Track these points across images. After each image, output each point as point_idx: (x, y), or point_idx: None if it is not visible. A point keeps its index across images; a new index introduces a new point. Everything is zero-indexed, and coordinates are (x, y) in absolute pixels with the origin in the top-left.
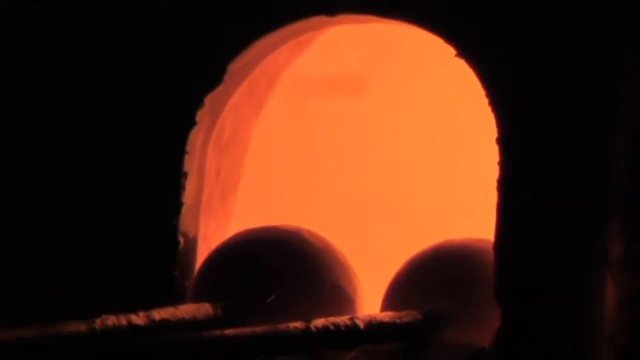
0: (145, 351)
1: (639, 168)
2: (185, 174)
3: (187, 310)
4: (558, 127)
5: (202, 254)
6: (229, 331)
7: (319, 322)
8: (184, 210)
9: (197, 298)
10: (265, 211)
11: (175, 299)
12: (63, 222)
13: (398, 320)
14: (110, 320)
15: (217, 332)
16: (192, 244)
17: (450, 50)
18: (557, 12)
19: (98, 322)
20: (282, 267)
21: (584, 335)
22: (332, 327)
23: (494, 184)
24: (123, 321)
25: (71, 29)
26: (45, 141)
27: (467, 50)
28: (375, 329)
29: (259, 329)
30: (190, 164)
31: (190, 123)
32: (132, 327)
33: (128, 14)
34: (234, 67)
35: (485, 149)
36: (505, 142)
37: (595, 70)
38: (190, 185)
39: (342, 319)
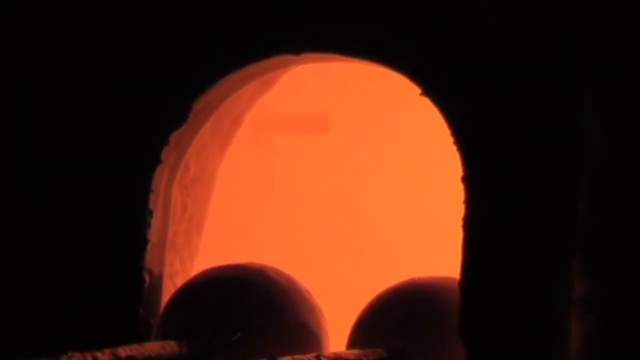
0: None
1: (598, 208)
2: (150, 212)
3: (152, 347)
4: (523, 166)
5: (167, 291)
6: None
7: (284, 359)
8: (149, 248)
9: (163, 336)
10: (230, 249)
11: (140, 337)
12: (29, 258)
13: (364, 358)
14: (76, 357)
15: None
16: (157, 282)
17: (415, 89)
18: (520, 52)
19: (63, 359)
20: (247, 305)
21: None
22: None
23: (459, 223)
24: (88, 358)
25: (41, 62)
26: (10, 180)
27: (432, 88)
28: None
29: None
30: (155, 201)
31: (155, 161)
32: None
33: (94, 51)
34: (199, 105)
35: (450, 187)
36: (470, 180)
37: (558, 112)
38: (155, 223)
39: (308, 357)
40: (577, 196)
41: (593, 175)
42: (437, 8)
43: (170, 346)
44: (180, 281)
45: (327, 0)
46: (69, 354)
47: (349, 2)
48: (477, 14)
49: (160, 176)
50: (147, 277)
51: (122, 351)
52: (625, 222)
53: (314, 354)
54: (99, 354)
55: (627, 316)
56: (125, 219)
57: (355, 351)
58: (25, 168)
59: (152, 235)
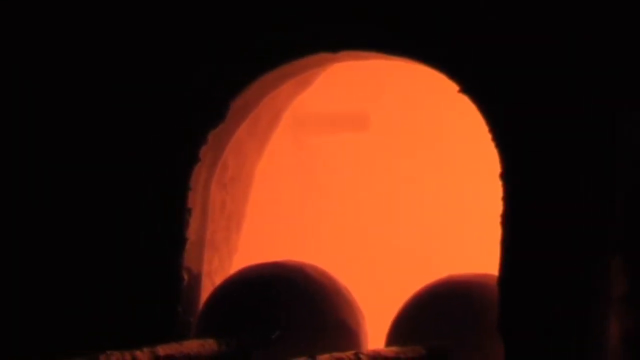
0: None
1: (637, 206)
2: (188, 210)
3: (191, 346)
4: (561, 164)
5: (206, 290)
6: None
7: (323, 357)
8: (187, 246)
9: (201, 334)
10: (269, 247)
11: (179, 335)
12: (71, 257)
13: (402, 356)
14: (115, 356)
15: None
16: (195, 280)
17: (453, 87)
18: (560, 51)
19: (102, 358)
20: (286, 303)
21: None
22: None
23: (498, 219)
24: (127, 357)
25: (79, 63)
26: (50, 186)
27: (470, 86)
28: None
29: None
30: (193, 200)
31: (193, 160)
32: None
33: (133, 51)
34: (237, 104)
35: (488, 184)
36: (508, 177)
37: (598, 110)
38: (194, 222)
39: (347, 354)
40: (616, 194)
41: (632, 174)
42: (476, 6)
43: (210, 344)
44: (219, 279)
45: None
46: (108, 352)
47: (384, 0)
48: (518, 12)
49: (198, 175)
50: (185, 276)
51: (161, 350)
52: None
53: (353, 352)
54: (137, 353)
55: None
56: (164, 217)
57: (394, 349)
58: (68, 168)
59: (191, 233)
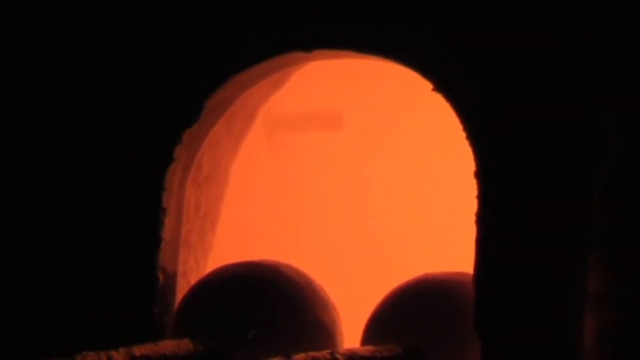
0: None
1: (613, 205)
2: (163, 210)
3: (167, 346)
4: (536, 163)
5: (182, 289)
6: None
7: (299, 357)
8: (163, 246)
9: (177, 334)
10: (244, 246)
11: (155, 335)
12: (44, 257)
13: (378, 355)
14: (90, 357)
15: None
16: (171, 280)
17: (427, 85)
18: (535, 49)
19: (78, 359)
20: (262, 302)
21: None
22: None
23: (473, 218)
24: (103, 357)
25: (55, 65)
26: (25, 187)
27: (444, 85)
28: None
29: None
30: (168, 200)
31: (168, 159)
32: None
33: (108, 52)
34: (211, 103)
35: (463, 183)
36: (483, 176)
37: (575, 110)
38: (169, 221)
39: (323, 354)
40: (592, 193)
41: (609, 174)
42: (450, 4)
43: (185, 344)
44: (194, 279)
45: None
46: (84, 353)
47: (359, 0)
48: (491, 10)
49: (173, 174)
50: (161, 276)
51: (137, 350)
52: (637, 220)
53: (329, 351)
54: (113, 353)
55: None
56: (139, 217)
57: (370, 348)
58: (41, 169)
59: (166, 233)
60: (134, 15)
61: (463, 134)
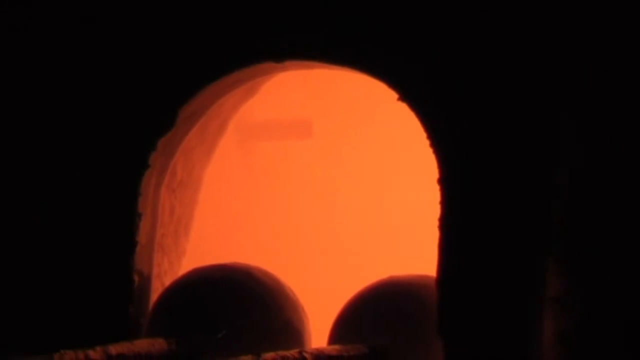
0: None
1: (572, 210)
2: (139, 215)
3: (142, 345)
4: (497, 168)
5: (156, 291)
6: None
7: (269, 356)
8: (138, 249)
9: (152, 334)
10: (216, 250)
11: (130, 335)
12: (23, 260)
13: (345, 354)
14: (68, 355)
15: None
16: (146, 282)
17: (393, 95)
18: (495, 59)
19: (56, 357)
20: (233, 304)
21: None
22: None
23: (436, 223)
24: (80, 356)
25: (33, 69)
26: (3, 185)
27: (409, 94)
28: None
29: None
30: (143, 205)
31: (144, 166)
32: None
33: (86, 59)
34: (185, 111)
35: (427, 188)
36: (446, 182)
37: (534, 117)
38: (144, 226)
39: (291, 353)
40: (551, 197)
41: (567, 178)
42: (413, 16)
43: (159, 344)
44: (168, 281)
45: (307, 10)
46: (62, 351)
47: (328, 12)
48: (456, 21)
49: (148, 180)
50: (136, 278)
51: (113, 349)
52: (598, 223)
53: (297, 350)
54: (90, 352)
55: (599, 314)
56: (115, 221)
57: (337, 347)
58: (20, 172)
59: (141, 237)
60: (111, 27)
61: (427, 142)
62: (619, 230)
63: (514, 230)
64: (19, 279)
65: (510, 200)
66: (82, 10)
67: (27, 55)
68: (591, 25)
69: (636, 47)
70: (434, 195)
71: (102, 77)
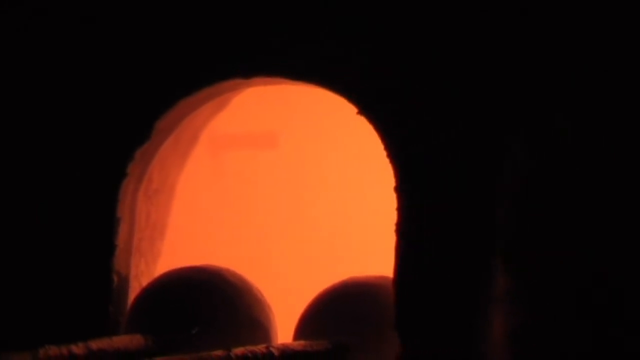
0: None
1: (518, 213)
2: (118, 220)
3: (121, 341)
4: (449, 177)
5: (134, 291)
6: (158, 359)
7: (238, 350)
8: (117, 252)
9: (130, 330)
10: (189, 252)
11: (110, 331)
12: (10, 261)
13: (309, 349)
14: (52, 350)
15: None
16: (124, 282)
17: (352, 109)
18: (446, 72)
19: (41, 352)
20: (205, 303)
21: None
22: (250, 355)
23: (393, 228)
24: (64, 351)
25: (21, 81)
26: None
27: (367, 108)
28: (288, 356)
29: (185, 357)
30: (122, 210)
31: (122, 174)
32: (72, 356)
33: (66, 78)
34: (160, 124)
35: (384, 196)
36: (402, 190)
37: (479, 131)
38: (122, 230)
39: (259, 348)
40: (495, 205)
41: (510, 188)
42: (369, 37)
43: (137, 339)
44: (145, 281)
45: (272, 32)
46: (47, 346)
47: (291, 33)
48: (406, 37)
49: (126, 188)
50: (115, 278)
51: (94, 344)
52: (540, 226)
53: (265, 345)
54: (73, 347)
55: (543, 310)
56: (96, 226)
57: (302, 342)
58: (10, 179)
59: (120, 240)
60: (95, 47)
61: (384, 153)
62: (558, 233)
63: (462, 234)
64: (6, 279)
65: (459, 207)
66: (67, 27)
67: (16, 65)
68: (537, 38)
69: (573, 54)
70: (391, 202)
71: (86, 94)
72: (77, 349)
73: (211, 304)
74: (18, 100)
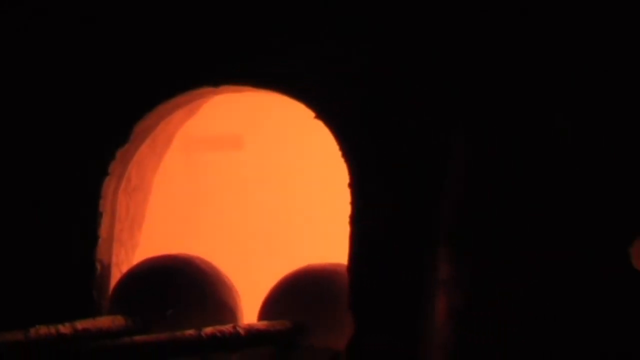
0: (73, 354)
1: (459, 206)
2: (100, 214)
3: (104, 321)
4: (397, 173)
5: (115, 277)
6: (137, 338)
7: (208, 330)
8: (100, 242)
9: (112, 312)
10: (164, 242)
11: (93, 313)
12: (8, 250)
13: (272, 328)
14: (42, 329)
15: (128, 339)
16: (106, 269)
17: (310, 114)
18: (392, 77)
19: (32, 331)
20: (178, 287)
21: (421, 339)
22: (218, 334)
23: (347, 220)
24: (52, 330)
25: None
26: None
27: (323, 113)
28: (253, 335)
29: (161, 336)
30: (104, 205)
31: (104, 173)
32: (60, 335)
33: (57, 85)
34: (139, 127)
35: (340, 191)
36: (355, 186)
37: (426, 127)
38: (104, 222)
39: (227, 327)
40: (440, 197)
41: (454, 182)
42: (331, 54)
43: (118, 320)
44: (125, 268)
45: (237, 45)
46: (37, 326)
47: (255, 46)
48: (358, 48)
49: (108, 185)
50: (98, 266)
51: (80, 324)
52: (478, 218)
53: (232, 325)
54: (60, 327)
55: (483, 293)
56: (81, 219)
57: (265, 323)
58: (4, 177)
59: (102, 232)
60: (81, 56)
61: (339, 153)
62: (493, 225)
63: (410, 224)
64: (1, 268)
65: (407, 201)
66: (56, 34)
67: (7, 66)
68: (481, 36)
69: (517, 54)
70: (345, 197)
71: (73, 100)
72: (64, 328)
73: (183, 288)
74: (12, 101)
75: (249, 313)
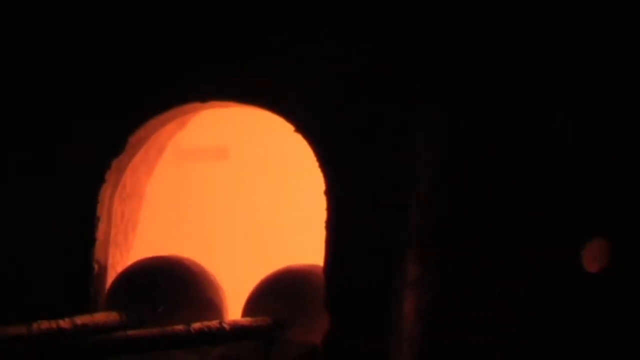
0: (72, 347)
1: (427, 211)
2: (97, 218)
3: (100, 317)
4: (368, 182)
5: (111, 276)
6: (131, 332)
7: (196, 325)
8: (97, 244)
9: (108, 308)
10: (156, 245)
11: (91, 309)
12: (13, 251)
13: (254, 324)
14: (44, 324)
15: (123, 333)
16: (103, 269)
17: (290, 127)
18: (362, 93)
19: (35, 326)
20: (169, 286)
21: (392, 336)
22: (206, 329)
23: (324, 224)
24: (53, 325)
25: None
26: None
27: (302, 127)
28: (237, 330)
29: (152, 330)
30: (101, 210)
31: (101, 180)
32: (60, 329)
33: (52, 100)
34: (133, 139)
35: (317, 198)
36: (331, 193)
37: (397, 137)
38: (101, 226)
39: (213, 323)
40: (410, 202)
41: (423, 186)
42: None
43: (114, 316)
44: (120, 268)
45: (224, 65)
46: (39, 321)
47: (240, 66)
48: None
49: (105, 191)
50: (96, 266)
51: (78, 320)
52: (445, 224)
53: (218, 321)
54: (61, 322)
55: (448, 293)
56: (80, 223)
57: (249, 319)
58: (9, 183)
59: (100, 234)
60: (80, 68)
61: (317, 163)
62: (459, 230)
63: (381, 229)
64: (6, 267)
65: (379, 207)
66: (52, 43)
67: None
68: (462, 47)
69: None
70: (321, 203)
71: (71, 113)
72: (64, 323)
73: (174, 287)
74: (12, 103)
75: (234, 310)
